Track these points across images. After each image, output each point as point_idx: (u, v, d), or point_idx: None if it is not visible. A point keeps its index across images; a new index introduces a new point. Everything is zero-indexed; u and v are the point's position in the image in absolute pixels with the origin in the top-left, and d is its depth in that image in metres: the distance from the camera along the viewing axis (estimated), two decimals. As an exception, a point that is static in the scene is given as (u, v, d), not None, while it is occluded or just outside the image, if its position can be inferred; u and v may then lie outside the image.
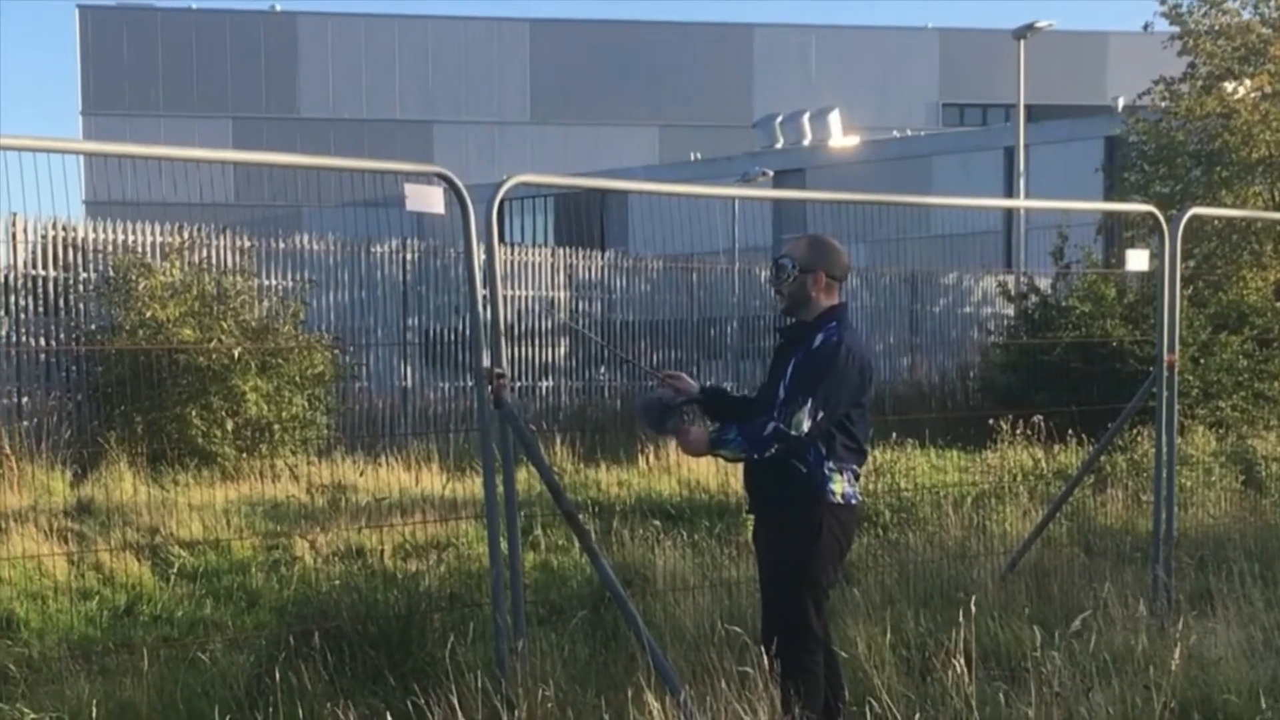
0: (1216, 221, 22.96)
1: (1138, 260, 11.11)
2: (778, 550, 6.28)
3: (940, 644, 6.89)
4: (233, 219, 22.40)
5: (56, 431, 15.52)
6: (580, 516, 7.23)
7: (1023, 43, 33.26)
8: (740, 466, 6.43)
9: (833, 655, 6.43)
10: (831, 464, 6.15)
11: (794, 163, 47.12)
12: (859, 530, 6.54)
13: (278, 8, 61.57)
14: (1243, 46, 25.02)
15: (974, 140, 47.17)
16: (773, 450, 6.09)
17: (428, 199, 7.04)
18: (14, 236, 16.26)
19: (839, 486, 6.16)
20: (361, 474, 14.65)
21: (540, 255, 22.36)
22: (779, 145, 51.34)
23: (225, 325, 15.88)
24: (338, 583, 8.79)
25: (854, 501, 6.27)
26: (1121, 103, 36.17)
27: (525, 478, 9.95)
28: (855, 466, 6.27)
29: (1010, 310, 23.22)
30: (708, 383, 7.64)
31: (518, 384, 20.65)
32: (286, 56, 60.25)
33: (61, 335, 16.81)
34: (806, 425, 6.02)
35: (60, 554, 10.68)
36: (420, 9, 61.80)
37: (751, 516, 6.61)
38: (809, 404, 6.03)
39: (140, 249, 16.98)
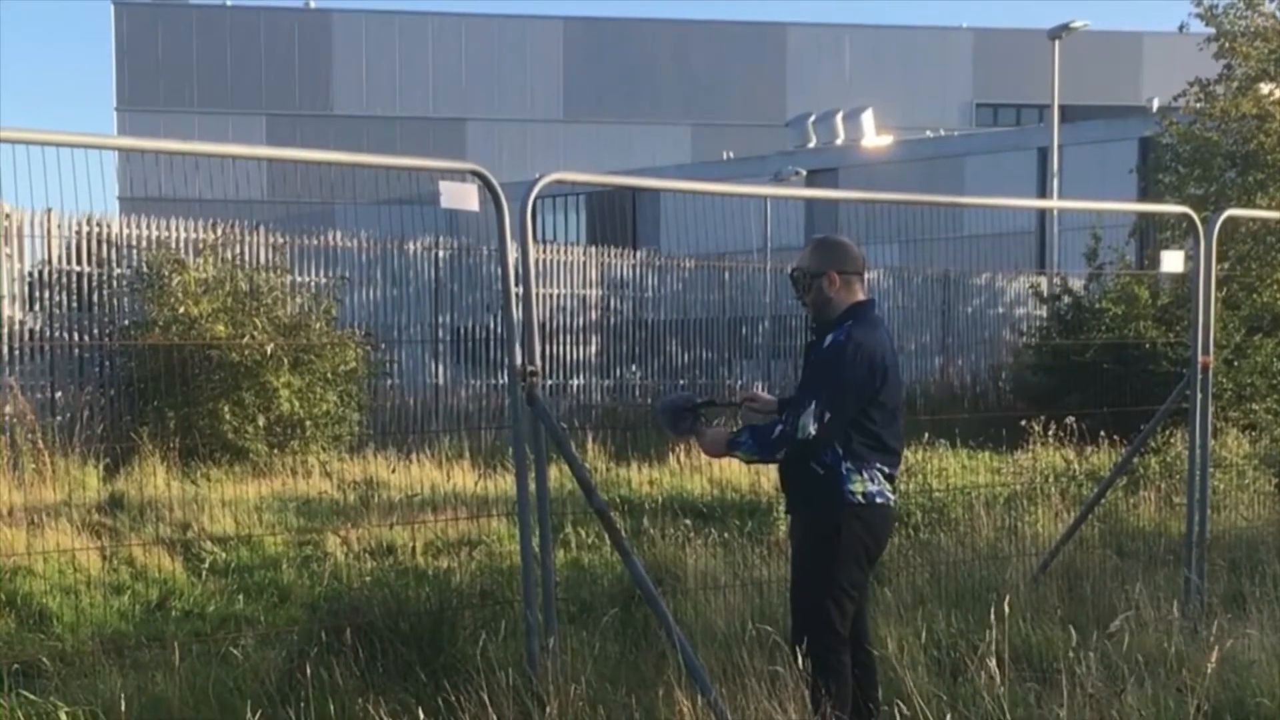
0: (1251, 223, 22.83)
1: (1173, 262, 11.05)
2: (801, 549, 6.29)
3: (972, 645, 6.87)
4: (266, 215, 22.49)
5: (89, 426, 15.59)
6: (611, 514, 7.22)
7: (1057, 43, 33.16)
8: (775, 466, 6.42)
9: (868, 655, 6.41)
10: (849, 463, 6.09)
11: (827, 162, 47.05)
12: (890, 530, 6.49)
13: (312, 4, 61.67)
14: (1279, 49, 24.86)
15: (1008, 140, 47.03)
16: (782, 453, 6.10)
17: (462, 197, 7.04)
18: (49, 232, 16.37)
19: (859, 486, 6.10)
20: (393, 471, 14.67)
21: (573, 254, 22.41)
22: (812, 144, 51.26)
23: (258, 321, 15.95)
24: (369, 579, 8.82)
25: (880, 500, 6.18)
26: (1156, 104, 36.04)
27: (556, 475, 9.96)
28: (881, 465, 6.17)
29: (1043, 311, 23.15)
30: (742, 382, 7.63)
31: (549, 382, 20.68)
32: (321, 53, 60.36)
33: (95, 330, 16.89)
34: (812, 428, 5.98)
35: (93, 548, 10.73)
36: (454, 7, 61.84)
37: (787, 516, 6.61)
38: (813, 406, 5.99)
39: (174, 245, 17.07)
